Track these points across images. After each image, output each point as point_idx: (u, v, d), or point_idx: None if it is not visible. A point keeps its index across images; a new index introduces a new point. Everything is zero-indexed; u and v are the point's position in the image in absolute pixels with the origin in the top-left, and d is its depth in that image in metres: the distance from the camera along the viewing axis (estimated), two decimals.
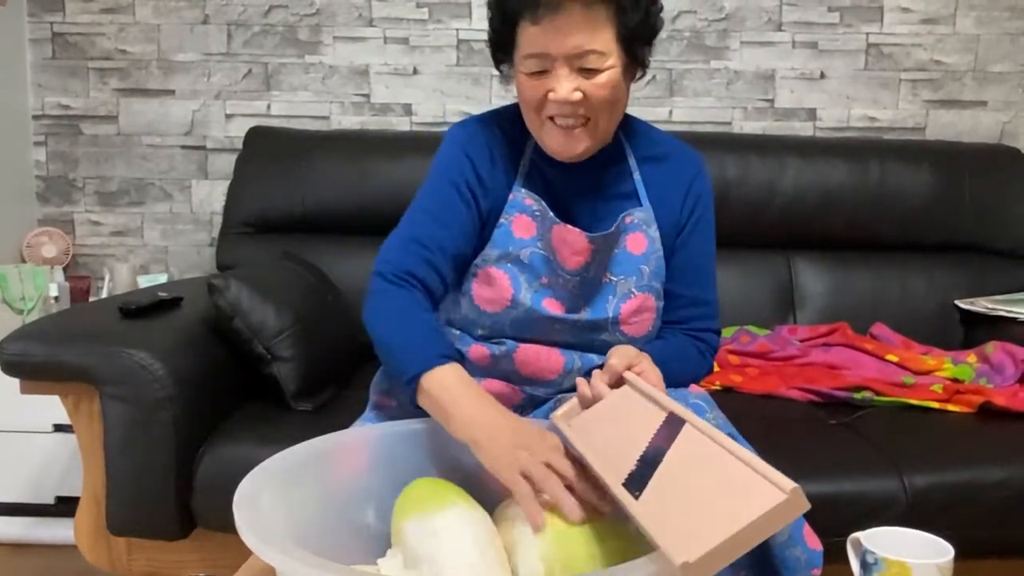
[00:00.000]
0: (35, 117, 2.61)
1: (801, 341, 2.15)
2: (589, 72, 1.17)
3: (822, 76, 2.58)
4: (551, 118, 1.20)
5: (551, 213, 1.27)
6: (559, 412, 1.13)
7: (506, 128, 1.31)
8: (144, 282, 2.42)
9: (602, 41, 1.16)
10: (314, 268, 2.06)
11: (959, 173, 2.33)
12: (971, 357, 2.04)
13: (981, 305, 2.20)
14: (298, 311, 1.77)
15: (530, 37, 1.16)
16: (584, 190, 1.30)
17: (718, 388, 1.97)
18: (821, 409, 1.83)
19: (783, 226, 2.32)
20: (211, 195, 2.62)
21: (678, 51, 2.57)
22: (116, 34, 2.57)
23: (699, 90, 2.58)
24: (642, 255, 1.28)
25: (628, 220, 1.28)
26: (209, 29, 2.57)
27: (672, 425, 0.93)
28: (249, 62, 2.58)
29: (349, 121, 2.59)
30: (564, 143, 1.22)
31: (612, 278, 1.28)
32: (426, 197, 1.27)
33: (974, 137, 2.58)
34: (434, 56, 2.56)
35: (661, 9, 1.23)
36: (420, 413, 1.10)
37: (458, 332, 1.31)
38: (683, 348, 1.31)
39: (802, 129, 2.60)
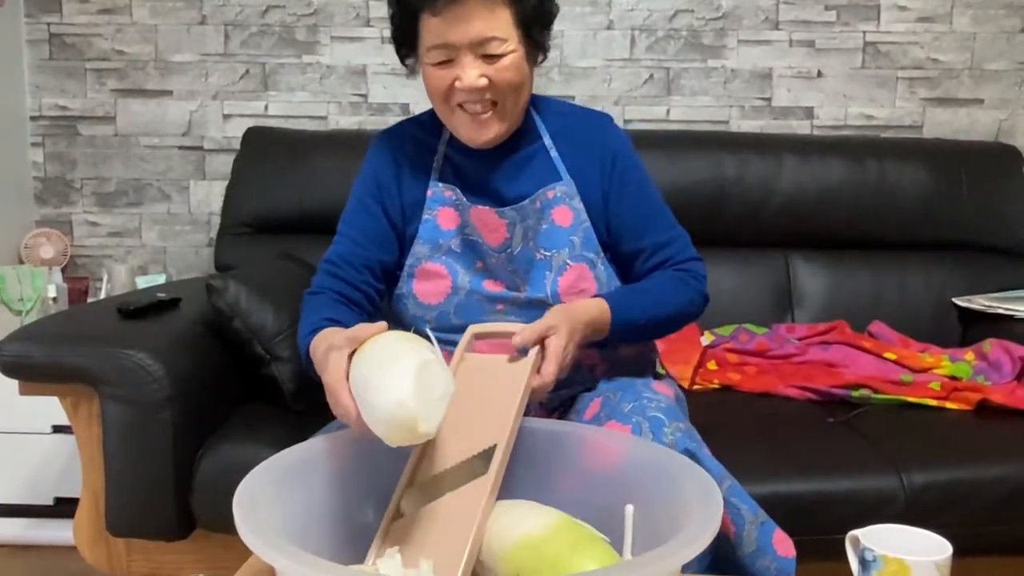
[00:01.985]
0: (32, 118, 2.60)
1: (799, 339, 2.15)
2: (492, 58, 1.22)
3: (819, 75, 2.58)
4: (460, 106, 1.25)
5: (464, 198, 1.32)
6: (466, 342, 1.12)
7: (417, 131, 1.38)
8: (142, 283, 2.42)
9: (502, 27, 1.21)
10: (312, 268, 2.06)
11: (956, 171, 2.34)
12: (969, 355, 2.04)
13: (979, 303, 2.21)
14: (297, 311, 1.76)
15: (432, 28, 1.21)
16: (499, 172, 1.33)
17: (716, 387, 1.98)
18: (819, 407, 1.83)
19: (781, 225, 2.32)
20: (209, 195, 2.62)
21: (675, 50, 2.57)
22: (113, 35, 2.57)
23: (696, 89, 2.58)
24: (570, 227, 1.31)
25: (550, 195, 1.31)
26: (206, 30, 2.57)
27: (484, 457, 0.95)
28: (246, 62, 2.58)
29: (347, 121, 2.59)
30: (474, 130, 1.27)
31: (545, 253, 1.30)
32: (343, 220, 1.38)
33: (971, 135, 2.58)
34: None
35: None
36: None
37: None
38: (662, 279, 1.32)
39: (799, 128, 2.60)
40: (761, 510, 1.14)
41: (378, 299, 1.33)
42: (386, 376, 0.88)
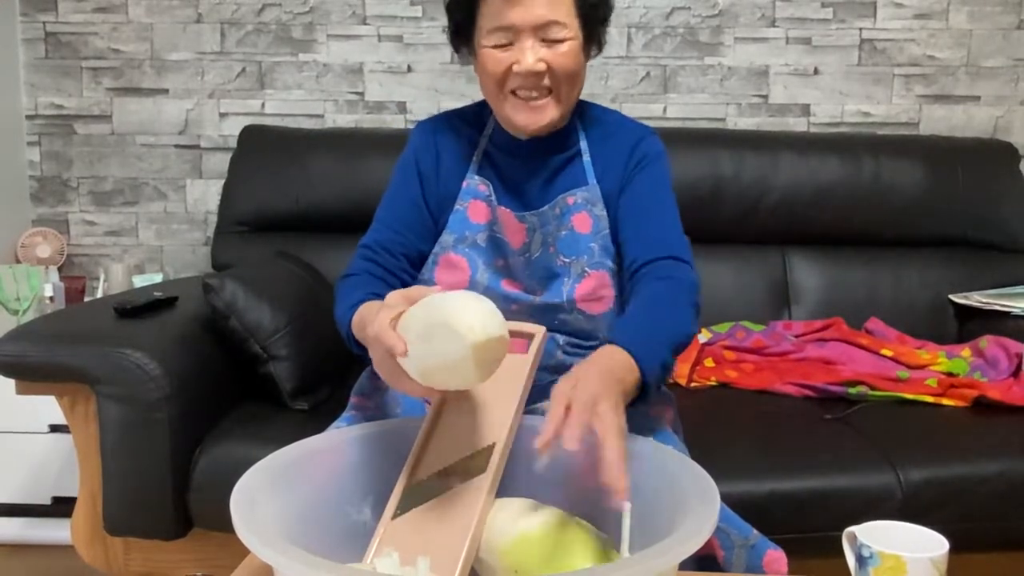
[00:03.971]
0: (28, 117, 2.60)
1: (796, 336, 2.15)
2: (552, 43, 1.21)
3: (816, 72, 2.58)
4: (514, 92, 1.24)
5: (494, 197, 1.31)
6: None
7: (462, 122, 1.36)
8: (139, 282, 2.42)
9: (564, 12, 1.21)
10: (309, 267, 2.07)
11: (952, 168, 2.34)
12: (965, 351, 2.05)
13: (975, 299, 2.21)
14: (293, 310, 1.77)
15: (493, 10, 1.20)
16: (532, 174, 1.33)
17: (713, 384, 1.98)
18: (816, 404, 1.84)
19: (778, 222, 2.33)
20: (206, 194, 2.62)
21: (672, 47, 2.57)
22: (109, 33, 2.56)
23: (693, 86, 2.58)
24: (589, 234, 1.30)
25: (571, 201, 1.30)
26: (202, 28, 2.56)
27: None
28: (243, 61, 2.57)
29: (343, 119, 2.59)
30: (529, 115, 1.26)
31: (564, 260, 1.30)
32: (382, 206, 1.35)
33: (967, 132, 2.58)
34: (428, 54, 2.56)
35: None
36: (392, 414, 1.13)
37: None
38: (651, 297, 1.19)
39: (796, 125, 2.60)
40: (753, 531, 1.11)
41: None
42: (457, 303, 0.88)
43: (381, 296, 1.08)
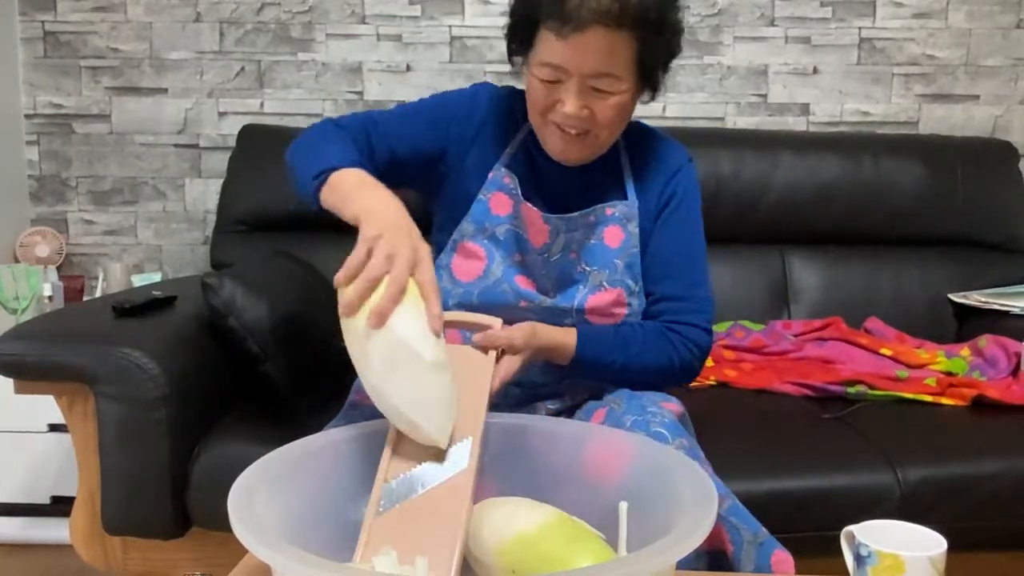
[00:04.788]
0: (27, 116, 2.60)
1: (795, 336, 2.15)
2: (600, 92, 1.17)
3: (815, 71, 2.58)
4: (554, 122, 1.22)
5: (519, 192, 1.29)
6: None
7: (510, 108, 1.33)
8: (138, 281, 2.42)
9: (620, 65, 1.16)
10: (308, 266, 2.06)
11: (952, 167, 2.34)
12: (964, 350, 2.05)
13: (974, 299, 2.21)
14: (292, 309, 1.77)
15: (550, 47, 1.16)
16: (566, 178, 1.31)
17: (712, 383, 1.98)
18: (815, 403, 1.84)
19: (777, 221, 2.33)
20: (205, 193, 2.62)
21: None
22: (108, 32, 2.56)
23: (692, 85, 2.58)
24: (618, 248, 1.29)
25: (608, 212, 1.30)
26: (201, 27, 2.56)
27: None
28: (242, 60, 2.57)
29: None
30: (564, 149, 1.24)
31: (586, 268, 1.29)
32: (413, 103, 1.33)
33: (966, 131, 2.58)
34: (427, 53, 2.56)
35: (682, 33, 1.24)
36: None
37: None
38: (645, 330, 1.28)
39: (795, 124, 2.60)
40: (763, 529, 1.12)
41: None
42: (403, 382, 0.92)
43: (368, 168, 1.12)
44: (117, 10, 2.55)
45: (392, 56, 2.57)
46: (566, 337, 1.23)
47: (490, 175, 1.30)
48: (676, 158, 1.35)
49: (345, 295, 0.95)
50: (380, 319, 0.91)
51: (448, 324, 1.11)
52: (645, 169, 1.33)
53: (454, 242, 1.31)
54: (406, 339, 0.92)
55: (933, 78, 2.59)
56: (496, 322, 1.12)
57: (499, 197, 1.30)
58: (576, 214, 1.29)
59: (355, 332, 0.94)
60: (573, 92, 1.16)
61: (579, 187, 1.31)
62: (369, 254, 0.96)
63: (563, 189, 1.31)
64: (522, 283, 1.29)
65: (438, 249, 1.34)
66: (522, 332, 1.15)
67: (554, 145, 1.24)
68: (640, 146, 1.34)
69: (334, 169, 1.11)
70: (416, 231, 1.01)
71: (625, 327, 1.29)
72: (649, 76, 1.21)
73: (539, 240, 1.30)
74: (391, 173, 1.23)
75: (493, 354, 1.08)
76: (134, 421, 1.53)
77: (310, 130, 1.26)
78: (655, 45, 1.18)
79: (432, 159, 1.31)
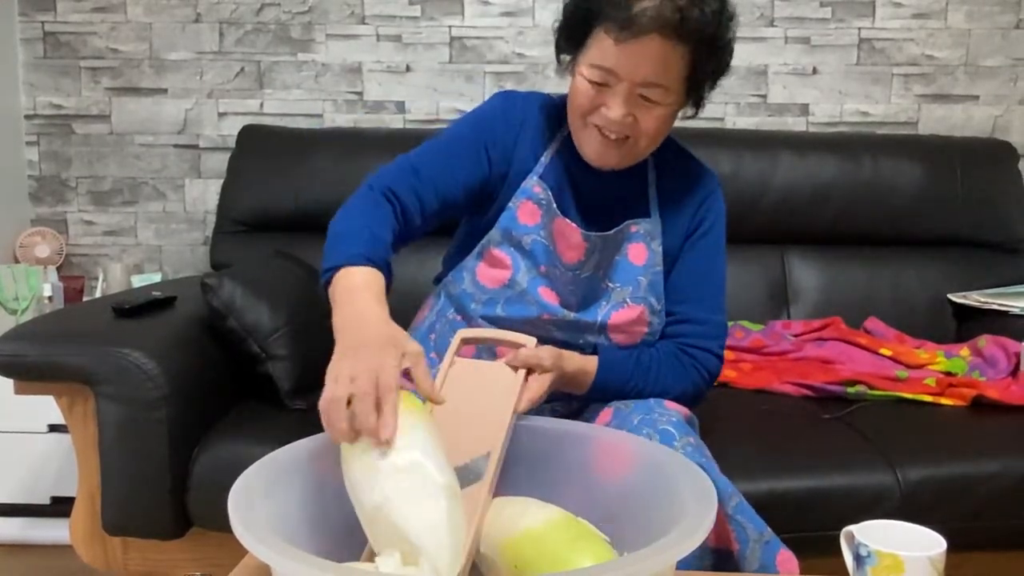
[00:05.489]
0: (27, 117, 2.60)
1: (795, 336, 2.15)
2: (647, 102, 1.18)
3: (814, 71, 2.58)
4: (596, 125, 1.21)
5: (554, 205, 1.28)
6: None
7: (544, 116, 1.32)
8: (138, 282, 2.42)
9: (671, 78, 1.17)
10: (308, 266, 2.06)
11: (951, 167, 2.34)
12: (964, 351, 2.05)
13: (974, 299, 2.21)
14: (292, 309, 1.77)
15: (604, 50, 1.16)
16: (597, 190, 1.31)
17: None
18: (815, 404, 1.83)
19: (776, 221, 2.33)
20: (204, 194, 2.62)
21: None
22: (108, 33, 2.56)
23: None
24: (642, 266, 1.29)
25: (633, 229, 1.29)
26: (201, 28, 2.56)
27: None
28: (241, 60, 2.57)
29: (342, 119, 2.59)
30: (602, 153, 1.23)
31: (610, 284, 1.29)
32: (445, 138, 1.29)
33: (966, 131, 2.58)
34: (427, 53, 2.56)
35: (733, 53, 1.25)
36: None
37: (456, 316, 1.32)
38: (662, 357, 1.29)
39: (795, 124, 2.60)
40: (768, 529, 1.13)
41: (418, 223, 1.24)
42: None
43: (381, 266, 1.09)
44: (117, 10, 2.55)
45: (392, 56, 2.57)
46: (587, 364, 1.23)
47: (523, 183, 1.30)
48: (708, 183, 1.36)
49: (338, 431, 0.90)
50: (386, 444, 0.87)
51: (483, 341, 1.12)
52: (674, 189, 1.33)
53: (481, 247, 1.30)
54: (419, 461, 0.86)
55: (933, 78, 2.59)
56: (530, 341, 1.10)
57: (528, 206, 1.29)
58: (612, 231, 1.29)
59: (356, 458, 0.89)
60: (621, 98, 1.17)
61: (607, 199, 1.31)
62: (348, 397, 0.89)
63: (593, 200, 1.31)
64: (546, 295, 1.28)
65: (464, 251, 1.34)
66: (550, 354, 1.12)
67: (592, 149, 1.24)
68: (672, 165, 1.34)
69: (339, 267, 1.09)
70: (400, 334, 0.97)
71: (643, 354, 1.29)
72: (696, 91, 1.22)
73: (572, 256, 1.29)
74: (445, 214, 1.25)
75: (522, 373, 1.07)
76: (134, 421, 1.53)
77: (355, 198, 1.22)
78: (707, 61, 1.19)
79: (480, 188, 1.30)
